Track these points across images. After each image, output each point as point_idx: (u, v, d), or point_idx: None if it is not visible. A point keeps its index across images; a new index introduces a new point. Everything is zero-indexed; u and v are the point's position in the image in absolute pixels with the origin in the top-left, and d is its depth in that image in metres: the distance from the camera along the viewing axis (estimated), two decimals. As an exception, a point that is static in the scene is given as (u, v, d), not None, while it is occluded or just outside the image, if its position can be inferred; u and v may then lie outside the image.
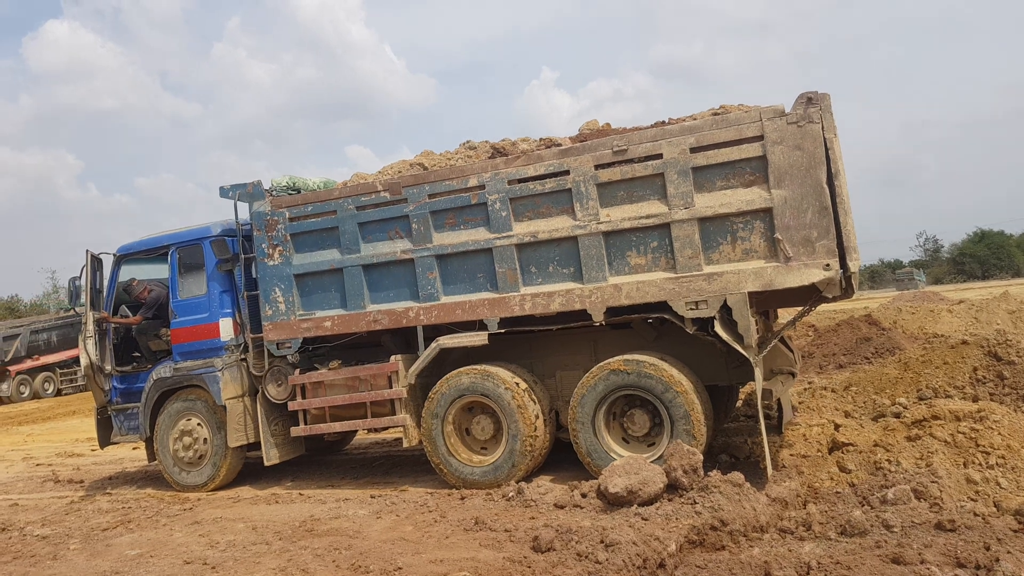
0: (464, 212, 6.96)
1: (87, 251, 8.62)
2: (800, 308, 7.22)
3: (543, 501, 6.21)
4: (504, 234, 6.78)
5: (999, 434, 5.95)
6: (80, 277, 8.77)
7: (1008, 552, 4.29)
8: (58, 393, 26.25)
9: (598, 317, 6.54)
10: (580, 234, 6.49)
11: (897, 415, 6.99)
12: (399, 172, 7.58)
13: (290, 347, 7.82)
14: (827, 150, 5.72)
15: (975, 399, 7.24)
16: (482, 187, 6.83)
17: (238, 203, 8.00)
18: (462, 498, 6.64)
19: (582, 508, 5.95)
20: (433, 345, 7.19)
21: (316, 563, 5.19)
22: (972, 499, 5.42)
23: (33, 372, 26.10)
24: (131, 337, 9.10)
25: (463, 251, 6.97)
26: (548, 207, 6.64)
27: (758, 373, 6.24)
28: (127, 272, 9.01)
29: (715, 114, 6.20)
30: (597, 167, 6.39)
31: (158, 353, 8.85)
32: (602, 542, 4.90)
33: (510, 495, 6.45)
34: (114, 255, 8.88)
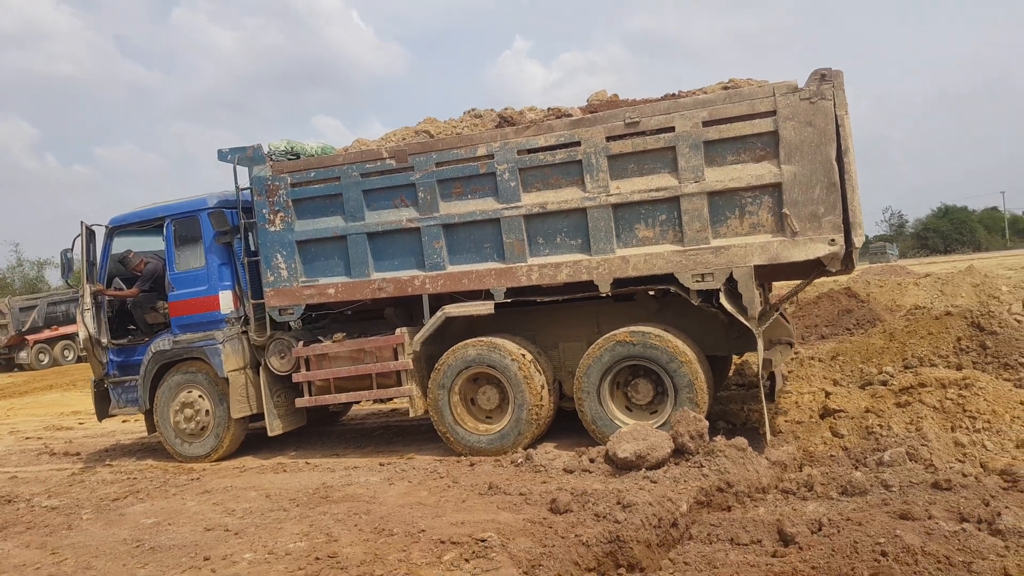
0: (472, 181, 7.03)
1: (81, 222, 8.54)
2: (798, 281, 7.42)
3: (552, 466, 6.38)
4: (512, 204, 6.87)
5: (984, 400, 6.25)
6: (72, 249, 8.70)
7: (1007, 507, 4.56)
8: (79, 360, 27.32)
9: (605, 288, 6.70)
10: (589, 206, 6.60)
11: (884, 383, 7.27)
12: (403, 139, 7.61)
13: (292, 314, 7.86)
14: (838, 127, 5.88)
15: (959, 368, 7.54)
16: (491, 156, 6.89)
17: (237, 167, 7.97)
18: (471, 465, 6.79)
19: (591, 472, 6.13)
20: (439, 313, 7.29)
21: (339, 527, 5.29)
22: (960, 460, 5.72)
23: (52, 341, 27.56)
24: (126, 310, 9.06)
25: (470, 221, 7.05)
26: (558, 178, 6.74)
27: (760, 344, 6.46)
28: (120, 244, 8.95)
29: (725, 88, 6.32)
30: (608, 139, 6.49)
31: (155, 326, 8.82)
32: (619, 503, 5.07)
33: (519, 461, 6.62)
34: (106, 227, 8.80)
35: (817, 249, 6.01)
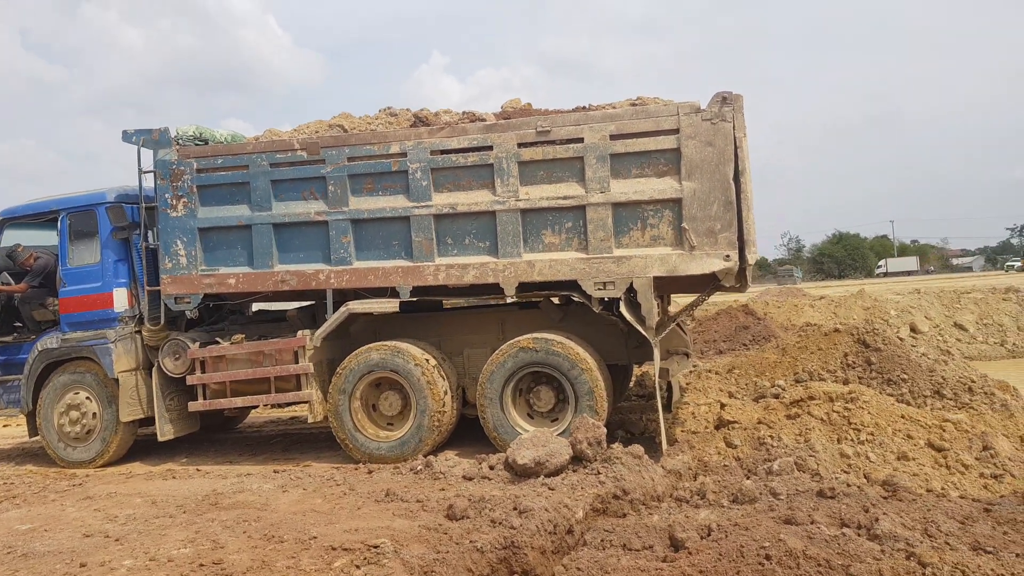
0: (384, 178, 7.00)
1: None
2: (697, 295, 7.65)
3: (451, 473, 6.33)
4: (423, 203, 6.86)
5: (868, 413, 6.56)
6: (-42, 241, 8.19)
7: (884, 514, 4.78)
8: None
9: (510, 292, 6.75)
10: (499, 209, 6.66)
11: (776, 396, 7.53)
12: (316, 132, 7.50)
13: (189, 303, 7.61)
14: (736, 148, 6.12)
15: (846, 382, 7.90)
16: (404, 155, 6.89)
17: (141, 150, 7.69)
18: (369, 472, 6.68)
19: (490, 479, 6.11)
20: (342, 309, 7.18)
21: (226, 534, 5.10)
22: (845, 471, 5.97)
23: None
24: (13, 306, 8.57)
25: (380, 217, 7.02)
26: (469, 180, 6.78)
27: (657, 353, 6.61)
28: (10, 238, 8.50)
29: (633, 104, 6.50)
30: (520, 145, 6.59)
31: (42, 323, 8.37)
32: (515, 509, 5.07)
33: (418, 468, 6.54)
34: (-5, 219, 8.34)
35: (713, 264, 6.22)
